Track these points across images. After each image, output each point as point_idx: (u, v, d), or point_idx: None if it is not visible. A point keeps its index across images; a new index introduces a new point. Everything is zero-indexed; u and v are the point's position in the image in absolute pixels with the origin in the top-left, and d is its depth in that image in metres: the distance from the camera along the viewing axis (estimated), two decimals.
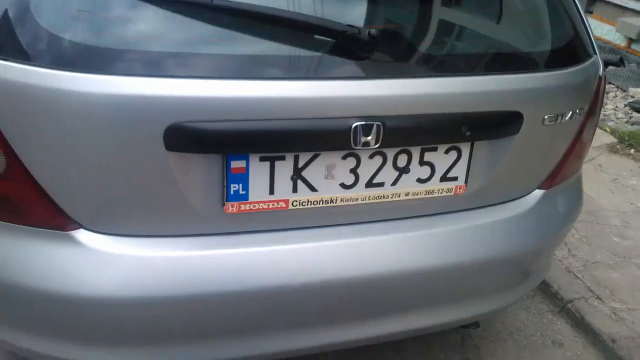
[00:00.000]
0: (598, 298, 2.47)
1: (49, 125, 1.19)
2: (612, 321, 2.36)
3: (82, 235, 1.32)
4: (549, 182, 1.72)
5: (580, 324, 2.38)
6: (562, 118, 1.55)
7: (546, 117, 1.51)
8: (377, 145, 1.32)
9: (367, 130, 1.30)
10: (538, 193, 1.71)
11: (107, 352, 1.42)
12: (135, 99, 1.18)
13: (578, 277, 2.59)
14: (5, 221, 1.31)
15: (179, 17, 1.24)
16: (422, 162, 1.45)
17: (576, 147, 1.71)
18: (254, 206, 1.36)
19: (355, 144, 1.30)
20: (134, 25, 1.22)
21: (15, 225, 1.31)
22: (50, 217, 1.30)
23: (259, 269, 1.37)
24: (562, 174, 1.73)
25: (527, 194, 1.70)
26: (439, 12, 1.48)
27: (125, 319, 1.36)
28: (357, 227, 1.47)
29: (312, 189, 1.38)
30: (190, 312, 1.38)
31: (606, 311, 2.41)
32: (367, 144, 1.31)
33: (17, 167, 1.24)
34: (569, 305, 2.46)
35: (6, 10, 1.19)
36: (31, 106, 1.18)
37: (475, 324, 1.93)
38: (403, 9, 1.45)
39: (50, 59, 1.17)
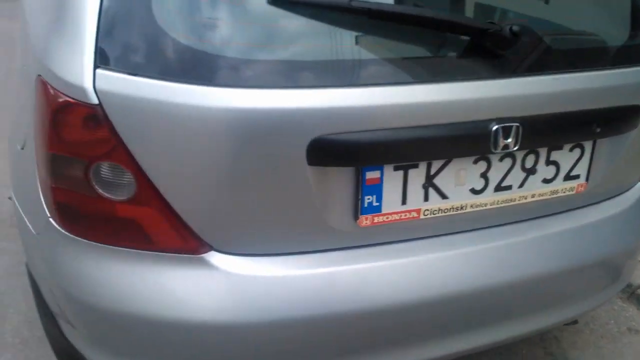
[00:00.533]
0: None
1: (184, 144, 1.12)
2: None
3: (213, 257, 1.25)
4: None
5: None
6: None
7: None
8: (515, 148, 1.27)
9: (506, 132, 1.25)
10: (639, 186, 1.68)
11: None
12: (280, 112, 1.11)
13: None
14: (133, 248, 1.23)
15: (318, 26, 1.17)
16: (548, 162, 1.40)
17: None
18: (387, 218, 1.30)
19: (495, 148, 1.25)
20: (276, 36, 1.15)
21: (141, 251, 1.24)
22: (182, 240, 1.23)
23: (395, 282, 1.32)
24: None
25: (630, 188, 1.66)
26: (563, 5, 1.42)
27: (263, 342, 1.30)
28: (485, 232, 1.42)
29: (443, 196, 1.33)
30: (324, 330, 1.32)
31: None
32: (506, 146, 1.26)
33: (148, 189, 1.17)
34: (638, 290, 2.44)
35: (133, 24, 1.12)
36: (165, 125, 1.11)
37: (574, 321, 1.90)
38: (529, 4, 1.40)
39: (185, 74, 1.10)
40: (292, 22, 1.16)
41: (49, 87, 1.16)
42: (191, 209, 1.20)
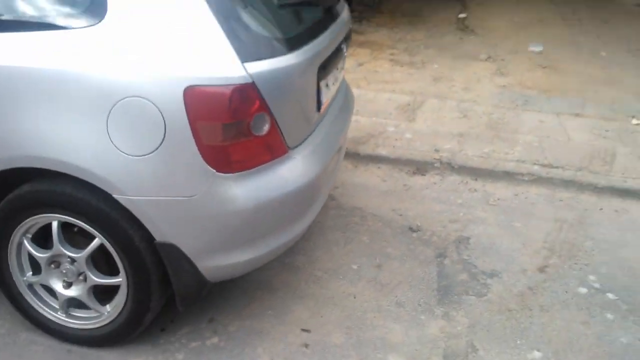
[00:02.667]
0: None
1: (288, 89, 2.16)
2: None
3: (292, 152, 2.28)
4: None
5: None
6: None
7: None
8: (345, 55, 2.73)
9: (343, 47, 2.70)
10: None
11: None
12: (309, 60, 2.27)
13: None
14: (264, 163, 2.13)
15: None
16: (345, 59, 2.91)
17: None
18: (324, 105, 2.58)
19: (343, 55, 2.69)
20: (285, 26, 2.27)
21: (266, 164, 2.15)
22: (284, 148, 2.22)
23: (334, 130, 2.64)
24: None
25: None
26: None
27: (320, 184, 2.41)
28: (337, 99, 2.86)
29: (329, 88, 2.68)
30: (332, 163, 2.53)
31: None
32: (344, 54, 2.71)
33: (273, 123, 2.13)
34: None
35: (250, 29, 2.05)
36: (281, 80, 2.10)
37: None
38: None
39: (278, 50, 2.12)
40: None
41: (208, 88, 1.95)
42: (287, 128, 2.21)
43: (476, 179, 3.94)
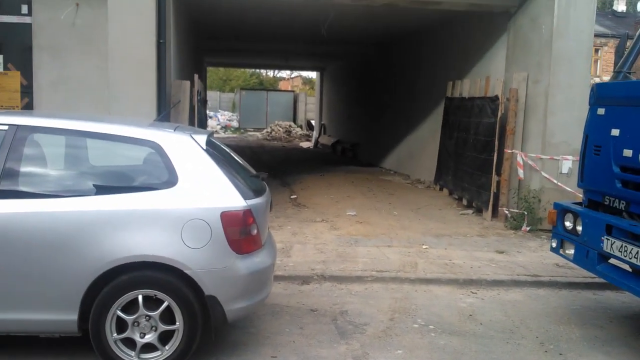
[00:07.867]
0: None
1: (260, 214, 4.33)
2: None
3: (263, 246, 4.36)
4: None
5: None
6: None
7: None
8: None
9: None
10: None
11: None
12: None
13: None
14: (254, 250, 4.19)
15: None
16: None
17: None
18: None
19: None
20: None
21: (254, 251, 4.22)
22: (261, 244, 4.30)
23: (270, 240, 4.78)
24: None
25: None
26: None
27: (272, 269, 4.47)
28: None
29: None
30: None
31: None
32: None
33: (258, 230, 4.24)
34: None
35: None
36: (258, 210, 4.29)
37: None
38: None
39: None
40: None
41: (232, 211, 4.04)
42: (262, 233, 4.31)
43: (341, 283, 6.19)
